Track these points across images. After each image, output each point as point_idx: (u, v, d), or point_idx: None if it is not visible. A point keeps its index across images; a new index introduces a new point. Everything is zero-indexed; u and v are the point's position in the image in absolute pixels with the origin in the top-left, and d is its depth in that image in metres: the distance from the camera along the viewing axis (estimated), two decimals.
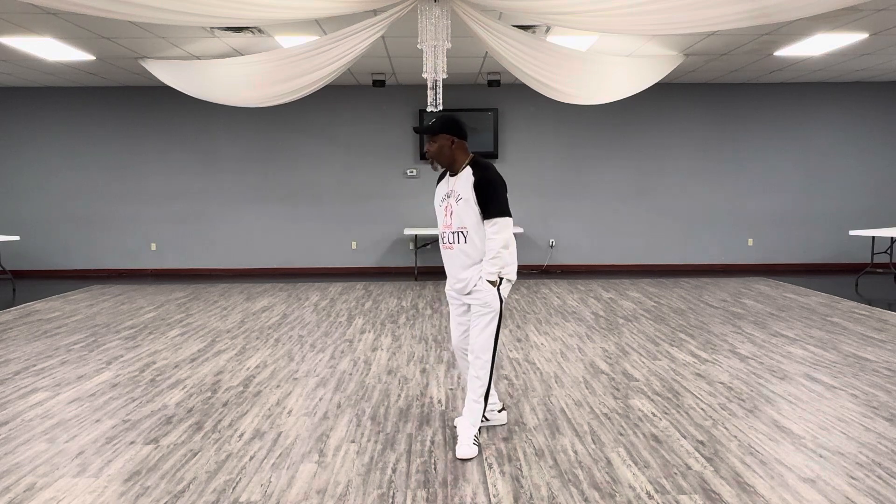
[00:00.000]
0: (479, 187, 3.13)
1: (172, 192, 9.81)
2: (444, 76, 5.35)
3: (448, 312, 6.92)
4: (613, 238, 9.93)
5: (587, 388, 4.19)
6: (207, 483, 2.87)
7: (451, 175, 3.29)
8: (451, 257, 3.27)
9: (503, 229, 3.13)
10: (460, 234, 3.19)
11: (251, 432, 3.47)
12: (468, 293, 3.24)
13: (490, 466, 3.02)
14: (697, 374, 4.46)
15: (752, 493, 2.72)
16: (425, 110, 8.29)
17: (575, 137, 9.79)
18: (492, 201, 3.13)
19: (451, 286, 3.33)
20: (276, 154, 9.79)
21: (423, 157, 3.14)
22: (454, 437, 3.36)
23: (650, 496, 2.70)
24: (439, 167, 3.31)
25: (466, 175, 3.20)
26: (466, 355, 3.36)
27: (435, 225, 9.56)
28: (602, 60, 7.01)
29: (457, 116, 3.29)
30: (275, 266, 9.93)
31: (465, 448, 3.13)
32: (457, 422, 3.31)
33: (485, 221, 3.15)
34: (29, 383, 4.39)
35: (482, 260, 3.18)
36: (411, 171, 9.79)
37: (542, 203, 9.82)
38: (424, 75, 5.36)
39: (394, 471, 2.98)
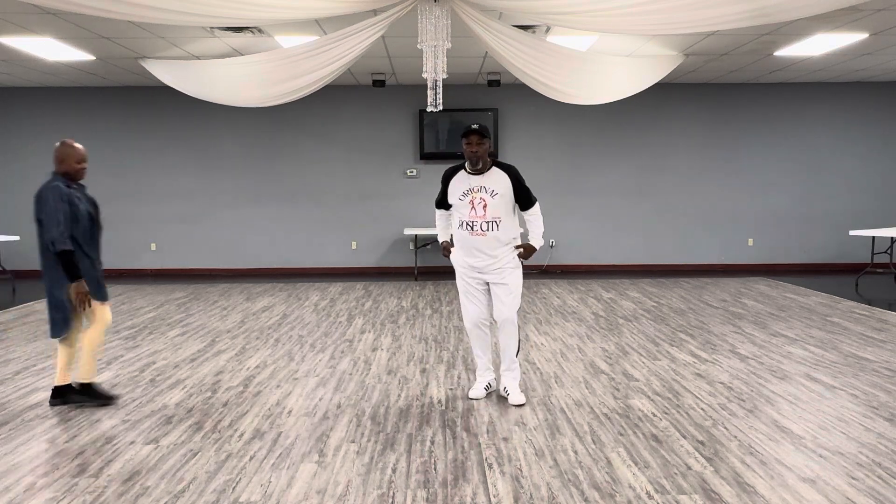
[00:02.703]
0: (517, 185, 3.78)
1: (172, 192, 9.80)
2: (444, 76, 5.34)
3: (449, 312, 6.99)
4: (613, 238, 9.93)
5: (587, 388, 4.19)
6: (207, 483, 2.87)
7: (473, 173, 3.76)
8: (482, 242, 3.76)
9: (539, 210, 3.93)
10: (494, 223, 3.73)
11: (251, 432, 3.47)
12: (497, 269, 3.77)
13: (490, 466, 3.02)
14: (697, 374, 4.46)
15: (752, 493, 2.72)
16: (425, 110, 8.31)
17: (575, 137, 9.78)
18: (528, 193, 3.85)
19: (473, 265, 3.80)
20: (276, 154, 9.78)
21: (468, 155, 3.80)
22: (454, 437, 3.37)
23: (650, 496, 2.70)
24: (475, 165, 3.74)
25: (498, 174, 3.76)
26: (484, 328, 3.92)
27: (434, 224, 9.52)
28: (602, 60, 7.00)
29: None
30: (275, 266, 9.93)
31: (521, 395, 3.88)
32: (505, 380, 3.94)
33: (528, 210, 3.85)
34: (29, 383, 4.39)
35: (510, 241, 3.81)
36: (411, 171, 9.79)
37: (542, 203, 9.66)
38: (424, 75, 5.35)
39: (394, 471, 2.98)
